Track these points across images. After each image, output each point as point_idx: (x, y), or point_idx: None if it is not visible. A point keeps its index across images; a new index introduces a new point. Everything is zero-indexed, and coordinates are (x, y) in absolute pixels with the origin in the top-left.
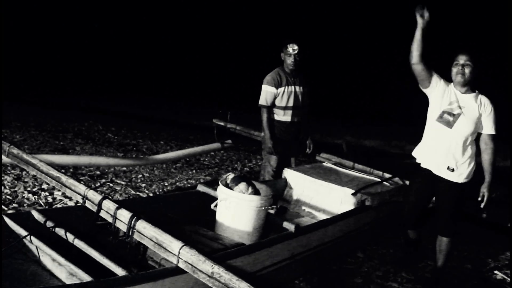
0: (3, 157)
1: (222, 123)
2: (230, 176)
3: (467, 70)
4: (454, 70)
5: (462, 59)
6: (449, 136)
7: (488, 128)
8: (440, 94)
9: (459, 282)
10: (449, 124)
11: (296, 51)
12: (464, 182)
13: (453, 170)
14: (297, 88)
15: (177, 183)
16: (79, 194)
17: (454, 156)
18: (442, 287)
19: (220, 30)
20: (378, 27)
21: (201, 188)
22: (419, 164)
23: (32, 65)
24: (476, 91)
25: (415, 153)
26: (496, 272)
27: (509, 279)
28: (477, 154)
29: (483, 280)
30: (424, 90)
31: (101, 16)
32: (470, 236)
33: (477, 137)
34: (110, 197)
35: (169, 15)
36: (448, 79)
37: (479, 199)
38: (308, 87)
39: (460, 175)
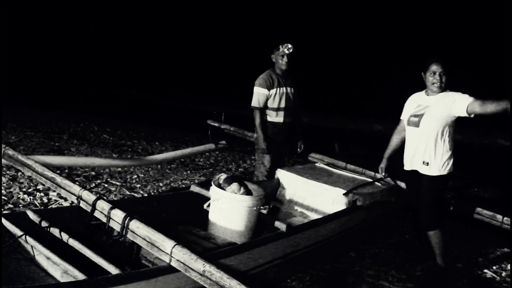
0: None
1: (216, 124)
2: (223, 176)
3: (444, 79)
4: (430, 79)
5: (437, 69)
6: (419, 134)
7: (465, 102)
8: (408, 108)
9: (450, 280)
10: (416, 124)
11: (291, 50)
12: (439, 175)
13: (427, 164)
14: (289, 89)
15: (172, 184)
16: (74, 194)
17: (426, 151)
18: (433, 286)
19: (212, 32)
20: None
21: (194, 188)
22: (404, 169)
23: (28, 67)
24: (447, 90)
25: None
26: (486, 270)
27: (498, 277)
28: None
29: (473, 279)
30: None
31: (97, 17)
32: (461, 236)
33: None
34: (104, 197)
35: (164, 17)
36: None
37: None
38: (299, 88)
39: (435, 168)
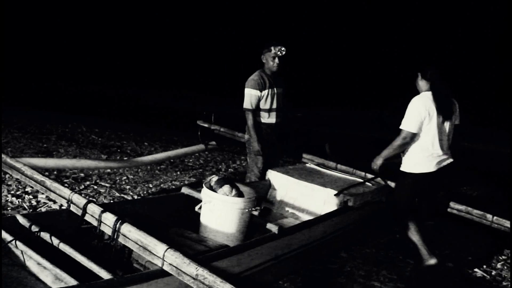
0: None
1: (206, 125)
2: (214, 178)
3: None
4: None
5: None
6: None
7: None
8: None
9: (440, 280)
10: None
11: (283, 53)
12: (402, 171)
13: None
14: (278, 90)
15: (162, 185)
16: (64, 198)
17: None
18: (424, 286)
19: (204, 30)
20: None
21: (185, 190)
22: None
23: (15, 65)
24: (421, 91)
25: None
26: (476, 270)
27: (488, 276)
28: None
29: (463, 278)
30: None
31: (88, 15)
32: (451, 235)
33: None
34: (94, 200)
35: (153, 14)
36: None
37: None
38: (286, 88)
39: (402, 163)
